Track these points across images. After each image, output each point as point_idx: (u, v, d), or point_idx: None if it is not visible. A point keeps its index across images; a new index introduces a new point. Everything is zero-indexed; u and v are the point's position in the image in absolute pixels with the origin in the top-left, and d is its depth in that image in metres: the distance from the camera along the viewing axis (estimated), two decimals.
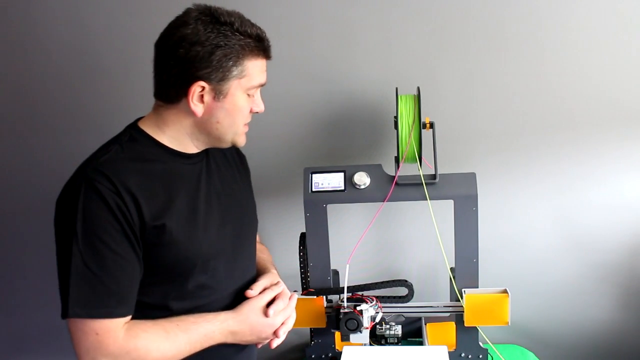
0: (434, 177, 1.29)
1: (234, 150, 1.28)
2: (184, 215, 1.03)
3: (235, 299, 1.11)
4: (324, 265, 1.36)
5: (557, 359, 1.66)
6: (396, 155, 1.32)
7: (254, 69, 1.03)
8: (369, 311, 1.29)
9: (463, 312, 1.31)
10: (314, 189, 1.33)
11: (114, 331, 0.94)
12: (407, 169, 1.31)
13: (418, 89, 1.31)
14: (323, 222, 1.33)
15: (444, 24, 1.45)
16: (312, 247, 1.35)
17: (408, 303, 1.34)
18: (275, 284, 1.16)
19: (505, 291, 1.30)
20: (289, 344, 1.70)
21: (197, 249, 1.04)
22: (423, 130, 1.30)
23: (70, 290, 0.93)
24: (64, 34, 1.53)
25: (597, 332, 1.63)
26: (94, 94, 1.57)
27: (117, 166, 0.98)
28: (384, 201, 1.30)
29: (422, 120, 1.30)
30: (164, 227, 0.99)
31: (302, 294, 1.36)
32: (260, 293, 1.12)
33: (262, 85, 1.08)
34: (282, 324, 1.13)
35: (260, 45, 1.03)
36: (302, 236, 1.38)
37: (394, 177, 1.30)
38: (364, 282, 1.33)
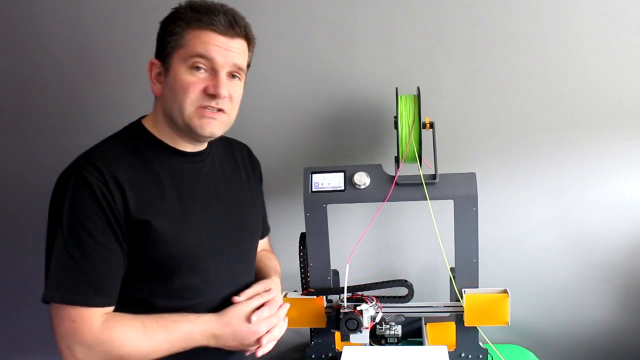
0: (434, 177, 1.29)
1: (247, 155, 1.28)
2: (174, 214, 1.03)
3: (225, 304, 1.09)
4: (324, 265, 1.36)
5: (557, 359, 1.66)
6: (396, 155, 1.32)
7: (194, 40, 1.00)
8: (369, 311, 1.28)
9: (463, 312, 1.31)
10: (314, 189, 1.33)
11: (90, 320, 0.94)
12: (407, 169, 1.31)
13: (418, 89, 1.31)
14: (323, 222, 1.33)
15: (444, 24, 1.45)
16: (312, 247, 1.35)
17: (408, 303, 1.34)
18: (267, 290, 1.14)
19: (505, 291, 1.30)
20: (289, 344, 1.70)
21: (183, 248, 1.03)
22: (423, 130, 1.30)
23: (50, 274, 0.95)
24: (64, 34, 1.53)
25: (597, 332, 1.63)
26: (94, 94, 1.57)
27: (110, 158, 0.99)
28: (384, 201, 1.30)
29: (422, 120, 1.30)
30: (149, 223, 0.99)
31: (302, 294, 1.36)
32: (249, 299, 1.10)
33: (203, 57, 1.00)
34: (268, 332, 1.09)
35: (206, 19, 1.00)
36: (302, 236, 1.38)
37: (394, 177, 1.30)
38: (364, 282, 1.33)
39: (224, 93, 1.01)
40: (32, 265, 1.68)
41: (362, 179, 1.31)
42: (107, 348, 0.95)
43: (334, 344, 1.41)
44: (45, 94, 1.59)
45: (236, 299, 1.09)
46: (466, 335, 1.34)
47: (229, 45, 1.02)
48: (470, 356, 1.35)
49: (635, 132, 1.47)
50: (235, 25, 1.02)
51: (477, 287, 1.32)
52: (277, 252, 1.41)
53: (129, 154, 1.02)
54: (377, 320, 1.32)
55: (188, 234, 1.04)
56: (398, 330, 1.50)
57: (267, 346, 1.09)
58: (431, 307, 1.36)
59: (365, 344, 1.33)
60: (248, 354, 1.12)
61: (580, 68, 1.44)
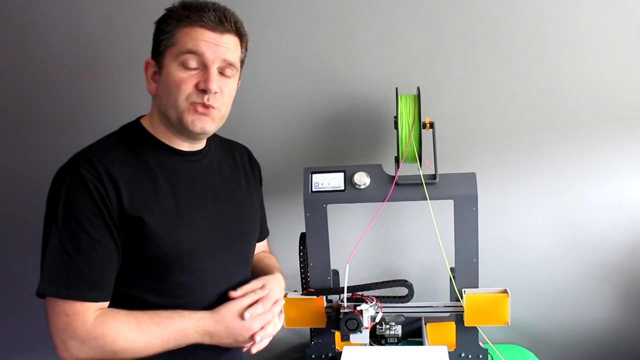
0: (434, 177, 1.29)
1: (247, 157, 1.28)
2: (168, 212, 1.03)
3: (220, 303, 1.08)
4: (324, 265, 1.36)
5: (557, 359, 1.66)
6: (396, 155, 1.32)
7: (184, 36, 1.01)
8: (369, 311, 1.28)
9: (463, 312, 1.31)
10: (314, 189, 1.33)
11: (84, 315, 0.94)
12: (407, 169, 1.31)
13: (418, 89, 1.31)
14: (323, 222, 1.33)
15: (444, 24, 1.45)
16: (312, 247, 1.35)
17: (408, 303, 1.34)
18: (260, 287, 1.13)
19: (505, 291, 1.29)
20: (289, 344, 1.70)
21: (177, 246, 1.03)
22: (423, 130, 1.30)
23: (44, 269, 0.96)
24: (65, 34, 1.53)
25: (597, 332, 1.63)
26: (95, 94, 1.57)
27: (105, 154, 1.00)
28: (384, 201, 1.30)
29: (422, 120, 1.30)
30: (142, 220, 0.99)
31: (302, 294, 1.36)
32: (244, 295, 1.09)
33: (193, 53, 1.01)
34: (262, 329, 1.08)
35: (196, 16, 1.01)
36: (302, 236, 1.38)
37: (394, 177, 1.30)
38: (364, 282, 1.33)
39: (214, 88, 1.02)
40: (32, 264, 1.68)
41: (362, 179, 1.31)
42: (100, 343, 0.95)
43: (334, 344, 1.41)
44: (46, 94, 1.59)
45: (232, 293, 1.09)
46: (466, 335, 1.34)
47: (219, 40, 1.02)
48: (470, 356, 1.35)
49: (635, 132, 1.47)
50: (225, 21, 1.02)
51: (477, 287, 1.32)
52: (277, 252, 1.41)
53: (125, 152, 1.03)
54: (377, 320, 1.32)
55: (182, 232, 1.05)
56: (398, 330, 1.50)
57: (261, 343, 1.09)
58: (431, 307, 1.36)
59: (365, 344, 1.32)
60: (244, 350, 1.11)
61: (580, 68, 1.44)
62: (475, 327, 1.33)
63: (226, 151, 1.23)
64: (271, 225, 1.41)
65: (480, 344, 1.35)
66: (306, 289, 1.37)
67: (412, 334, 1.57)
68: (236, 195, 1.19)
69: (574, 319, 1.62)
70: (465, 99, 1.49)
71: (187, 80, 1.01)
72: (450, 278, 1.34)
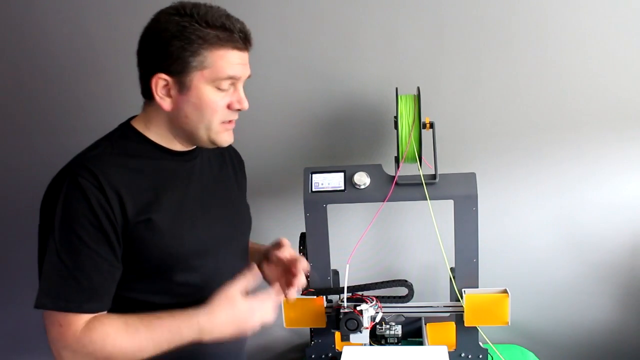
0: (434, 177, 1.29)
1: (233, 152, 1.28)
2: (171, 212, 1.03)
3: None
4: (324, 265, 1.36)
5: (557, 359, 1.66)
6: (396, 155, 1.32)
7: (219, 61, 0.98)
8: (369, 311, 1.29)
9: (463, 312, 1.31)
10: (314, 189, 1.33)
11: (75, 325, 0.93)
12: (407, 169, 1.31)
13: (418, 89, 1.31)
14: (323, 222, 1.33)
15: (445, 24, 1.45)
16: (312, 247, 1.35)
17: (408, 303, 1.34)
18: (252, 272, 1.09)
19: (505, 291, 1.30)
20: (289, 344, 1.70)
21: (182, 246, 1.03)
22: (423, 130, 1.30)
23: (42, 281, 0.94)
24: (64, 34, 1.53)
25: (597, 332, 1.63)
26: (95, 94, 1.57)
27: (104, 162, 0.98)
28: (384, 201, 1.30)
29: (422, 120, 1.30)
30: (149, 221, 0.98)
31: (302, 294, 1.36)
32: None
33: (232, 78, 1.00)
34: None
35: (225, 36, 0.98)
36: (302, 236, 1.38)
37: (394, 177, 1.30)
38: (364, 282, 1.33)
39: (247, 106, 1.04)
40: (32, 264, 1.68)
41: (362, 179, 1.31)
42: (89, 350, 0.94)
43: (334, 344, 1.41)
44: (46, 94, 1.59)
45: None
46: (466, 335, 1.34)
47: (245, 59, 1.03)
48: (470, 356, 1.35)
49: (635, 132, 1.47)
50: (249, 38, 1.02)
51: (477, 287, 1.32)
52: None
53: (121, 156, 1.01)
54: (377, 320, 1.32)
55: (186, 231, 1.04)
56: (398, 330, 1.50)
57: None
58: (431, 307, 1.36)
59: (365, 344, 1.33)
60: (250, 334, 1.06)
61: (580, 68, 1.44)
62: (475, 327, 1.33)
63: (215, 148, 1.23)
64: (271, 225, 1.42)
65: (480, 344, 1.35)
66: (306, 289, 1.37)
67: (412, 334, 1.57)
68: (229, 191, 1.19)
69: (574, 319, 1.62)
70: (466, 99, 1.49)
71: (221, 102, 1.02)
72: (450, 278, 1.34)
